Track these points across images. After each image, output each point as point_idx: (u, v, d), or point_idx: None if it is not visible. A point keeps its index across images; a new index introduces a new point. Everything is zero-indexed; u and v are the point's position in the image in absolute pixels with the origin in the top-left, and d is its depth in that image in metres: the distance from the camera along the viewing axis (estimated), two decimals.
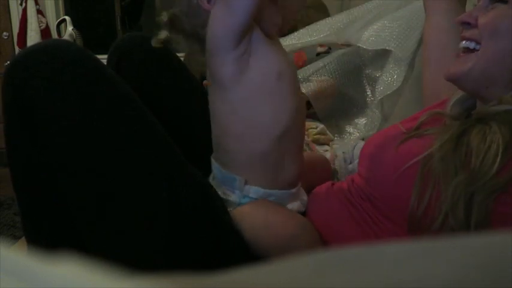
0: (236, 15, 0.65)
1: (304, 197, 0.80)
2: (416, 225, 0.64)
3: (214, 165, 0.77)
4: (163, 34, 0.72)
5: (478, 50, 0.68)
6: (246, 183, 0.72)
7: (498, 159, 0.59)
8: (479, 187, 0.59)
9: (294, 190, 0.76)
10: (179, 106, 0.83)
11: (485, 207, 0.58)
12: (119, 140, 0.65)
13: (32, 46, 0.68)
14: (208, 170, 0.78)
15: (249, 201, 0.73)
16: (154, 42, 0.73)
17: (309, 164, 0.89)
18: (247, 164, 0.72)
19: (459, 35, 0.73)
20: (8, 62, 0.63)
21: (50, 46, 0.65)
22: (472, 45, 0.69)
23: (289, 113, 0.72)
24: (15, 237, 1.60)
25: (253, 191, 0.72)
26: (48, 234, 0.69)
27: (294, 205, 0.76)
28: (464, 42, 0.70)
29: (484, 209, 0.58)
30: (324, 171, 0.93)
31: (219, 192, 0.74)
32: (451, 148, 0.62)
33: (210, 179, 0.78)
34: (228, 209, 0.72)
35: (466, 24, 0.70)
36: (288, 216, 0.72)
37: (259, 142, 0.71)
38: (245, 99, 0.70)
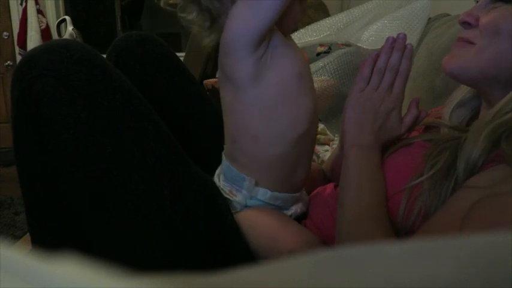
0: (261, 16, 0.61)
1: (305, 197, 0.80)
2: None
3: (225, 162, 0.75)
4: None
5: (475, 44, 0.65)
6: (256, 184, 0.71)
7: None
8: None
9: (298, 194, 0.76)
10: (178, 105, 0.82)
11: None
12: (123, 139, 0.65)
13: (40, 46, 0.67)
14: (208, 169, 0.78)
15: (255, 203, 0.71)
16: (162, 3, 0.69)
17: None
18: (262, 167, 0.70)
19: None
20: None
21: (57, 45, 0.65)
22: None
23: (308, 114, 0.69)
24: (15, 237, 1.60)
25: (262, 193, 0.71)
26: (52, 233, 0.70)
27: (297, 207, 0.76)
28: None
29: None
30: (320, 181, 0.92)
31: (225, 191, 0.73)
32: (440, 178, 0.60)
33: (216, 175, 0.77)
34: (232, 212, 0.71)
35: (466, 24, 0.67)
36: (297, 234, 0.69)
37: (278, 144, 0.68)
38: (263, 100, 0.66)
